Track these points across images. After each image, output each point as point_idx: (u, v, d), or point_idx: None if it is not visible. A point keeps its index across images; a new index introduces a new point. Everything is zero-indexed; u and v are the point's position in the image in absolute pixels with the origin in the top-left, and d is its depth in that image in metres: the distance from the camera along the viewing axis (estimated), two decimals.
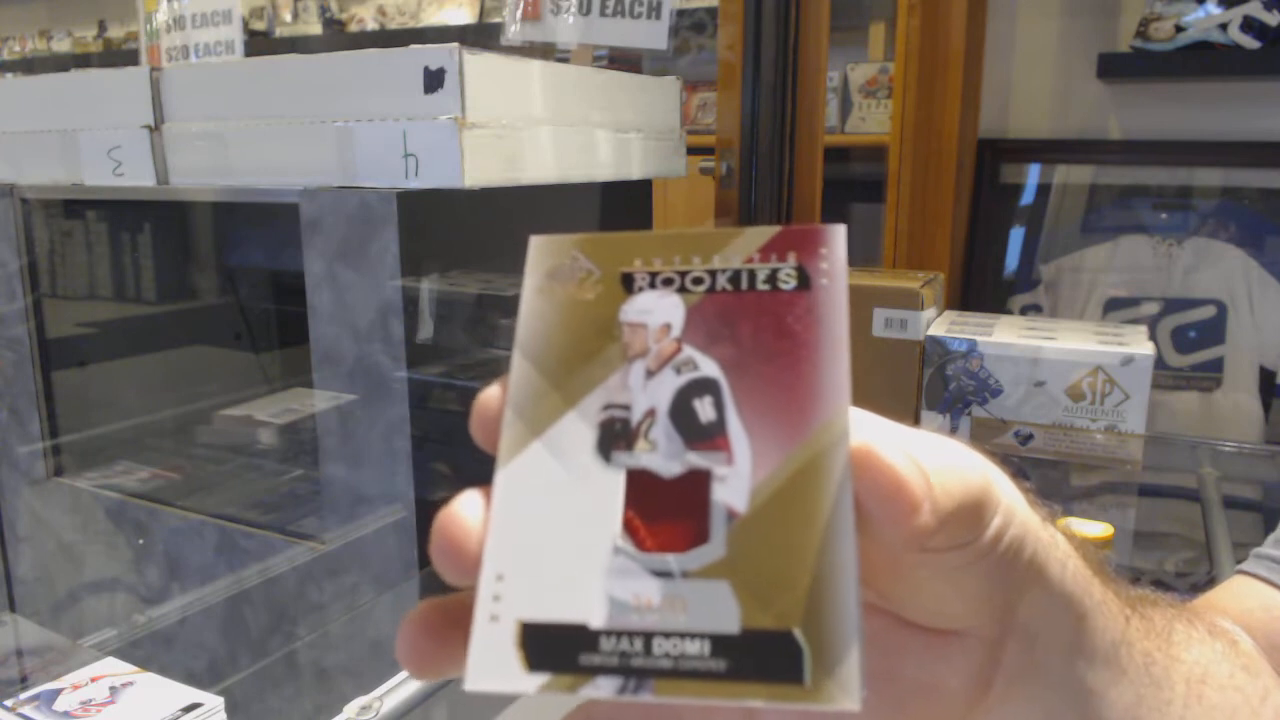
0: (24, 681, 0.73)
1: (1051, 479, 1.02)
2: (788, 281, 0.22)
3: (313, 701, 0.99)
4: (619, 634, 0.20)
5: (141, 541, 1.17)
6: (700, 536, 0.20)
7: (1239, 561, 0.47)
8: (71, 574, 1.26)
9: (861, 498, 0.21)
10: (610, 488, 0.21)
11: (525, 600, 0.20)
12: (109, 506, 1.19)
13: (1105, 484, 1.03)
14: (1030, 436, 1.02)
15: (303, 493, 1.15)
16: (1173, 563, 0.94)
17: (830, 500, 0.20)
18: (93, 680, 0.68)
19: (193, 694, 0.67)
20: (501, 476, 0.21)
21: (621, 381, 0.22)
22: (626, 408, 0.22)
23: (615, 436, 0.21)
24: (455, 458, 0.97)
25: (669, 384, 0.22)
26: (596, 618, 0.20)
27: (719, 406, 0.21)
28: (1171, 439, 1.35)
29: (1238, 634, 0.38)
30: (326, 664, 0.99)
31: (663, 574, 0.20)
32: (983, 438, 1.04)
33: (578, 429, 0.22)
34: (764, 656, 0.19)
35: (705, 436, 0.21)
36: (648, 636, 0.19)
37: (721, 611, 0.19)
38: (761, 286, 0.22)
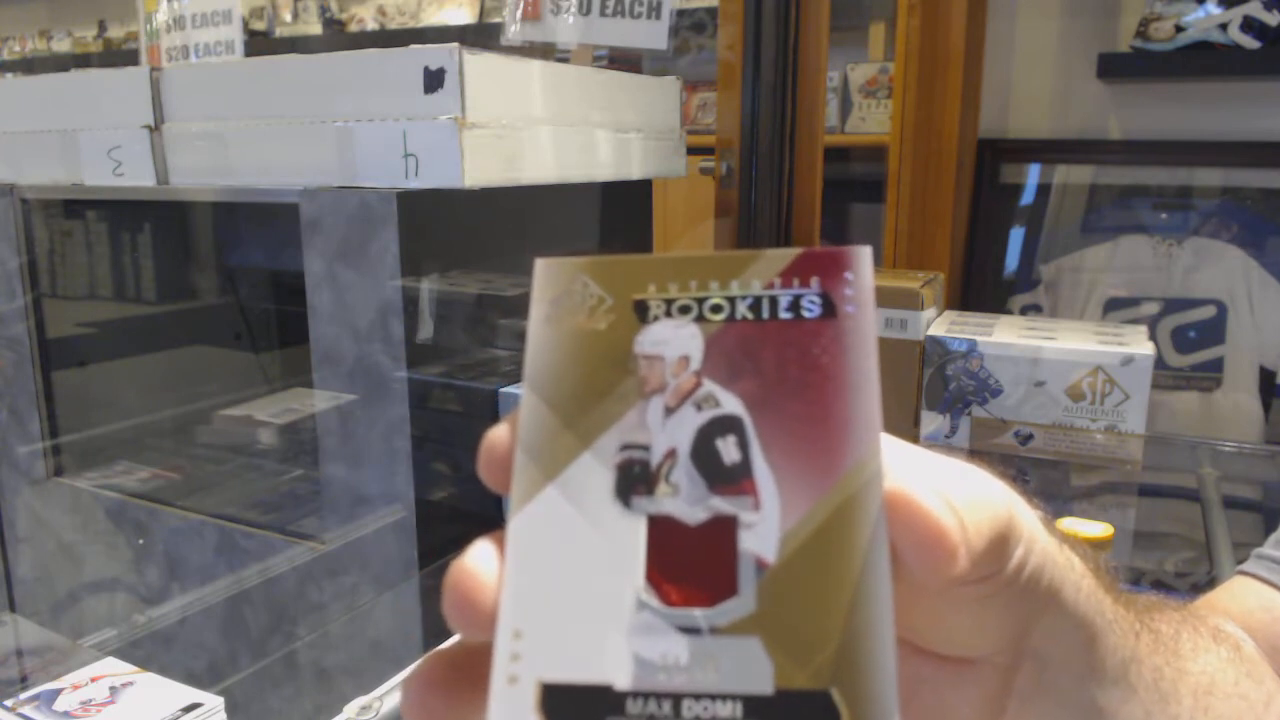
0: (24, 681, 0.73)
1: (1051, 479, 1.02)
2: (812, 309, 0.21)
3: (313, 701, 0.99)
4: (646, 695, 0.19)
5: (141, 541, 1.17)
6: (728, 589, 0.19)
7: (1239, 561, 0.47)
8: (71, 574, 1.26)
9: (896, 543, 0.20)
10: (631, 536, 0.20)
11: (545, 660, 0.19)
12: (109, 506, 1.19)
13: (1105, 484, 1.03)
14: (1030, 436, 1.02)
15: (303, 493, 1.15)
16: (1173, 563, 0.94)
17: (864, 547, 0.19)
18: (93, 680, 0.68)
19: (193, 694, 0.67)
20: (515, 524, 0.20)
21: (639, 419, 0.21)
22: (645, 448, 0.20)
23: (634, 480, 0.20)
24: (455, 458, 0.97)
25: (689, 422, 0.20)
26: (622, 678, 0.19)
27: (743, 446, 0.20)
28: (1171, 439, 1.35)
29: (1241, 638, 0.38)
30: (326, 664, 0.99)
31: (690, 630, 0.19)
32: (983, 438, 1.04)
33: (594, 471, 0.20)
34: (800, 718, 0.18)
35: (730, 479, 0.20)
36: (676, 698, 0.18)
37: (754, 670, 0.18)
38: (784, 315, 0.21)
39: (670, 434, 0.21)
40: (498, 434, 0.22)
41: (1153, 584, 0.86)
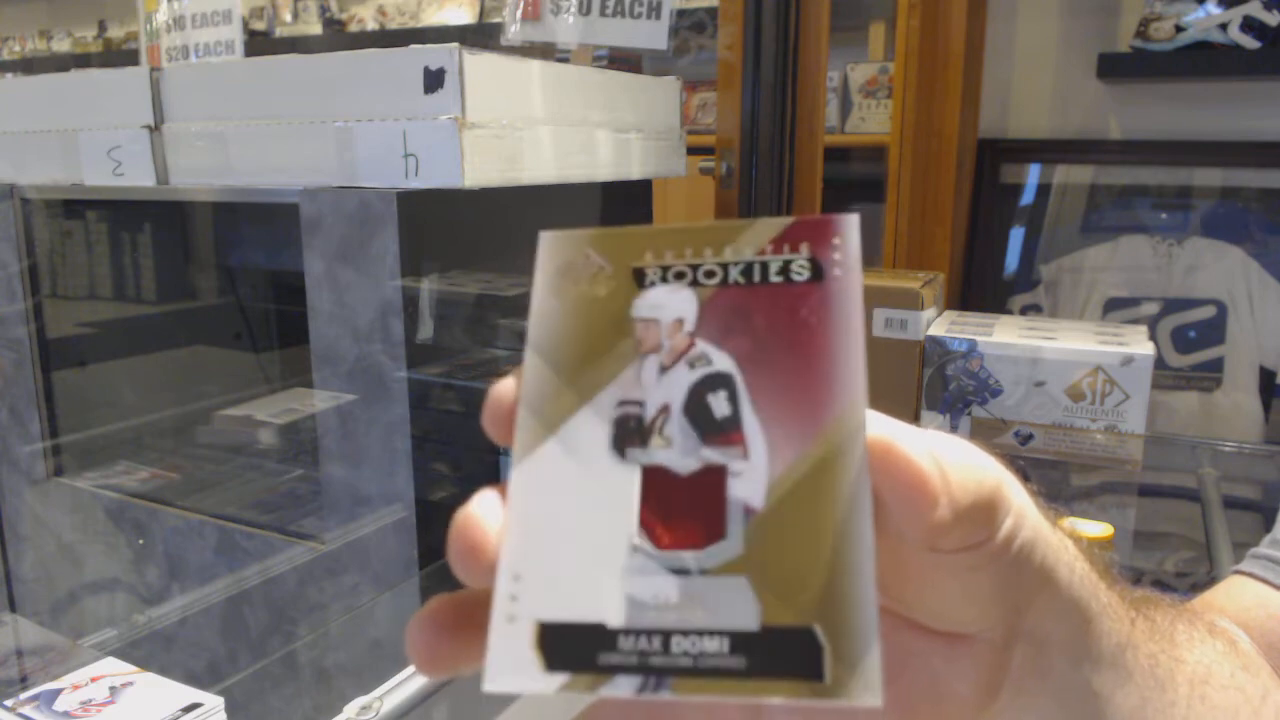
0: (24, 681, 0.73)
1: (1051, 479, 1.02)
2: (801, 273, 0.22)
3: (313, 701, 0.99)
4: (637, 633, 0.19)
5: (141, 541, 1.17)
6: (717, 533, 0.20)
7: (1239, 561, 0.47)
8: (71, 574, 1.26)
9: (879, 491, 0.20)
10: (626, 485, 0.21)
11: (543, 600, 0.20)
12: (109, 506, 1.20)
13: (1105, 484, 1.03)
14: (1030, 436, 1.02)
15: (303, 493, 1.15)
16: (1173, 563, 0.94)
17: (848, 494, 0.19)
18: (93, 680, 0.68)
19: (193, 694, 0.67)
20: (517, 475, 0.21)
21: (635, 377, 0.22)
22: (640, 404, 0.22)
23: (630, 433, 0.21)
24: (455, 458, 0.97)
25: (683, 379, 0.22)
26: (614, 617, 0.20)
27: (734, 401, 0.21)
28: (1171, 439, 1.35)
29: (1236, 633, 0.38)
30: (326, 664, 0.99)
31: (680, 571, 0.20)
32: (983, 438, 1.04)
33: (592, 426, 0.21)
34: (784, 653, 0.19)
35: (720, 431, 0.21)
36: (666, 635, 0.19)
37: (740, 608, 0.19)
38: (774, 279, 0.22)
39: (665, 390, 0.22)
40: (503, 388, 0.22)
41: (1153, 583, 0.86)
